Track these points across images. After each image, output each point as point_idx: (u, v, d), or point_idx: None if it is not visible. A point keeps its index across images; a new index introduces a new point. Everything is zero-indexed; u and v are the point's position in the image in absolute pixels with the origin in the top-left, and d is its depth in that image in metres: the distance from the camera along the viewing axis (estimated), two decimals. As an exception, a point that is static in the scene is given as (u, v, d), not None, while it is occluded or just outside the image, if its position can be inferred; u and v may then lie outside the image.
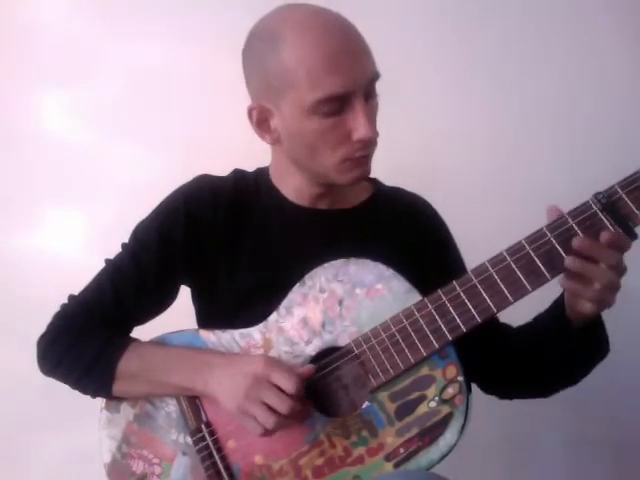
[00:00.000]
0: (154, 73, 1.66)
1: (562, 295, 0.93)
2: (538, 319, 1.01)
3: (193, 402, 1.00)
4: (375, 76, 0.95)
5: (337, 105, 0.92)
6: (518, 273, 0.87)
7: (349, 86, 0.91)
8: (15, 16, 1.68)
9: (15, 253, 1.70)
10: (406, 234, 1.08)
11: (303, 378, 0.92)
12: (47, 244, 1.70)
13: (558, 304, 0.95)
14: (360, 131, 0.92)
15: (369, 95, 0.95)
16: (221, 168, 1.11)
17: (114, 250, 1.09)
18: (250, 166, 1.13)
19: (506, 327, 1.06)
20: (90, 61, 1.68)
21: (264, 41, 0.95)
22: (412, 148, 1.57)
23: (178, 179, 1.09)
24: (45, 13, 1.69)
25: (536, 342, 0.98)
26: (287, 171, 1.04)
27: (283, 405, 0.89)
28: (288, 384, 0.90)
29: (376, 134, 0.96)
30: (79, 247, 1.70)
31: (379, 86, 0.97)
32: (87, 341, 1.03)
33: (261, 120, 0.98)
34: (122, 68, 1.67)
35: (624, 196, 0.84)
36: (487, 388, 1.09)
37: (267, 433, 0.92)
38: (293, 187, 1.05)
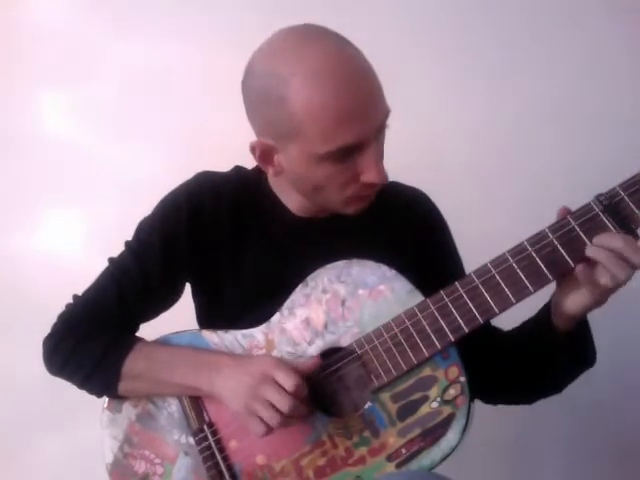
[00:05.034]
0: (154, 72, 1.66)
1: (549, 302, 0.94)
2: (525, 325, 1.00)
3: (195, 402, 1.00)
4: (387, 116, 0.91)
5: (349, 152, 0.89)
6: (520, 274, 0.87)
7: (363, 136, 0.88)
8: (14, 16, 1.68)
9: (15, 253, 1.70)
10: (407, 233, 1.07)
11: (306, 375, 0.92)
12: (47, 244, 1.70)
13: (545, 311, 0.94)
14: (371, 176, 0.90)
15: (380, 131, 0.92)
16: (221, 167, 1.11)
17: (114, 249, 1.09)
18: (251, 163, 1.13)
19: (494, 330, 1.05)
20: (90, 61, 1.68)
21: (268, 83, 0.88)
22: (412, 148, 1.56)
23: (178, 178, 1.09)
24: (44, 13, 1.70)
25: (521, 347, 0.97)
26: (287, 190, 1.03)
27: (284, 403, 0.89)
28: (288, 382, 0.90)
29: (386, 176, 0.93)
30: (79, 247, 1.70)
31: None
32: (92, 342, 1.02)
33: (265, 155, 0.95)
34: (122, 67, 1.67)
35: (626, 197, 0.84)
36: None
37: (268, 432, 0.92)
38: (293, 201, 1.04)
